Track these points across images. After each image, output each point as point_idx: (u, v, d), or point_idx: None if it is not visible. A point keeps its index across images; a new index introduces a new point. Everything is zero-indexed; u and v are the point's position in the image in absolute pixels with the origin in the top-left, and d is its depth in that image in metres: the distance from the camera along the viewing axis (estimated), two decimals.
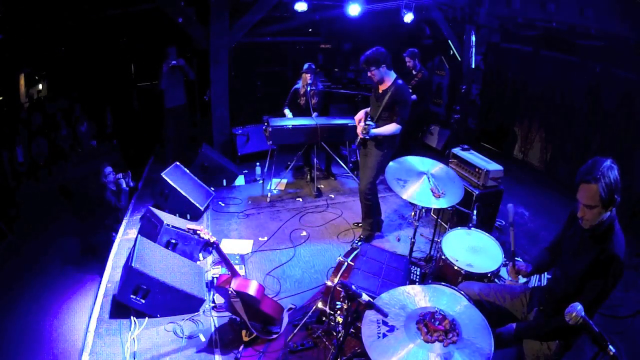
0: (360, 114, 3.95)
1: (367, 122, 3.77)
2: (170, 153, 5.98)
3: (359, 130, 3.82)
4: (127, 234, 4.30)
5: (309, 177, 5.69)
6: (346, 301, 2.62)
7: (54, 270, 4.45)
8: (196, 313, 3.22)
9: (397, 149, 4.01)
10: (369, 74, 3.72)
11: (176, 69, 5.64)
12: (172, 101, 5.83)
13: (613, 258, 1.87)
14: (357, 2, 5.08)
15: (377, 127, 3.76)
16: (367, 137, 3.78)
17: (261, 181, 5.63)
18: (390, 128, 3.73)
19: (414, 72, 5.82)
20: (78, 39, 6.75)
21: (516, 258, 3.67)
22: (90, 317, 3.17)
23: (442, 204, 3.01)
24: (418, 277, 3.39)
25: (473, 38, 6.41)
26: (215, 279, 3.49)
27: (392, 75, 3.74)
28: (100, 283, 3.58)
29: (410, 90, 5.66)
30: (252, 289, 2.78)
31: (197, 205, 4.59)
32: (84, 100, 7.57)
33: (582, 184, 1.87)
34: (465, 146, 4.36)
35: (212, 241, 2.77)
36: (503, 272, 3.12)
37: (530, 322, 2.25)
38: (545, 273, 3.22)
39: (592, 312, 1.90)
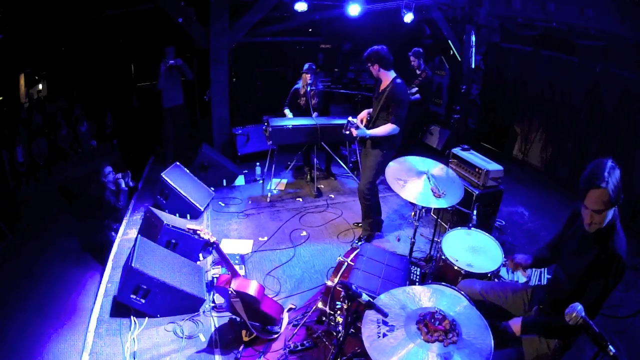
0: (363, 113, 3.95)
1: (349, 118, 3.81)
2: (169, 153, 5.98)
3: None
4: (127, 234, 4.30)
5: (309, 177, 5.69)
6: (346, 301, 2.61)
7: (54, 271, 4.45)
8: (196, 313, 3.22)
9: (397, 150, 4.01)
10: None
11: (174, 69, 5.62)
12: (170, 101, 5.81)
13: (614, 257, 1.87)
14: (357, 2, 5.08)
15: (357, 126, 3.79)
16: (347, 132, 3.78)
17: (261, 181, 5.63)
18: (386, 128, 3.69)
19: (418, 72, 5.83)
20: (78, 39, 6.75)
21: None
22: (90, 317, 3.17)
23: (441, 204, 3.02)
24: (418, 277, 3.39)
25: (473, 38, 6.40)
26: (215, 279, 3.49)
27: (390, 75, 3.73)
28: (100, 283, 3.59)
29: (417, 89, 5.70)
30: (252, 289, 2.78)
31: (197, 205, 4.59)
32: (84, 100, 7.56)
33: (591, 190, 1.83)
34: (465, 146, 4.36)
35: (212, 241, 2.77)
36: (503, 272, 3.13)
37: (538, 317, 2.24)
38: (546, 272, 3.22)
39: (594, 313, 1.89)
